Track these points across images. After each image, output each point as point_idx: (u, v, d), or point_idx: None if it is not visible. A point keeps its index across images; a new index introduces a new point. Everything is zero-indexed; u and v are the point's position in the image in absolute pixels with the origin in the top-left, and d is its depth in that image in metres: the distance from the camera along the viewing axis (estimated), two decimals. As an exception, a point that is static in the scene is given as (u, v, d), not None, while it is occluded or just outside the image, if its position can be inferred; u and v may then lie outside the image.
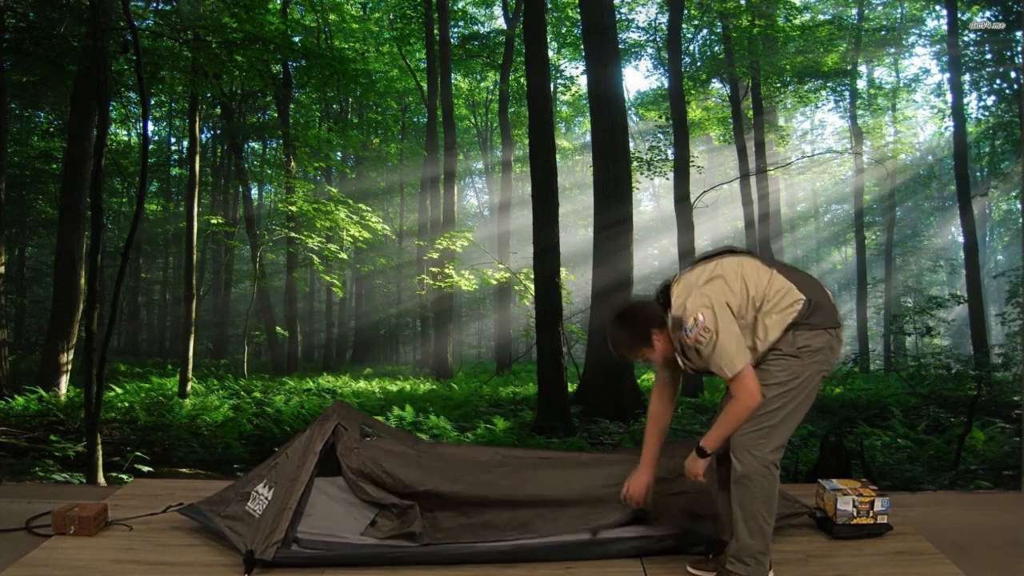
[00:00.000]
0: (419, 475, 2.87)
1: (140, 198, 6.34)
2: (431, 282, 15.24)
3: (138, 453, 6.43)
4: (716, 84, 20.16)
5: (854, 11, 20.43)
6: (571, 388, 9.26)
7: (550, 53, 18.46)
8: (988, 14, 15.15)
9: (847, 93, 20.96)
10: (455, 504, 2.85)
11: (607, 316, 2.66)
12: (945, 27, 16.95)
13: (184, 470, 6.37)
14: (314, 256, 16.13)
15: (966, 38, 16.99)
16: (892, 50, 21.06)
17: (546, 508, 2.86)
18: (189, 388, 10.88)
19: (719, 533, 2.70)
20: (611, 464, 3.04)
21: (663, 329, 2.51)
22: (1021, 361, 10.15)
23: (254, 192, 22.59)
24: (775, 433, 2.41)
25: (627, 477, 2.83)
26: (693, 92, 19.05)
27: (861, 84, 22.41)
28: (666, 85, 17.64)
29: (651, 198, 34.49)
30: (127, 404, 9.09)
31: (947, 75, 17.75)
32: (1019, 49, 15.68)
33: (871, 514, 2.94)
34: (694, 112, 21.20)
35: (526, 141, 11.44)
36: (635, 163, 13.77)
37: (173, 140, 24.55)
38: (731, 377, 2.37)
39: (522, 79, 18.59)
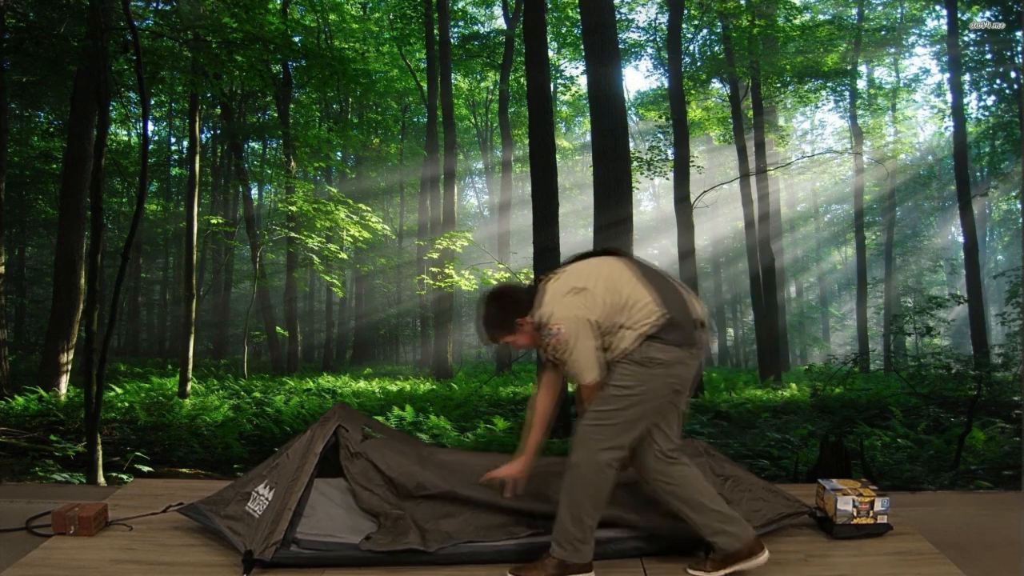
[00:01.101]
0: (419, 482, 2.88)
1: (140, 198, 6.33)
2: (431, 282, 15.24)
3: (138, 453, 6.43)
4: (716, 84, 20.15)
5: (854, 11, 20.43)
6: (571, 388, 9.24)
7: (550, 53, 18.48)
8: (988, 14, 15.12)
9: (847, 93, 20.97)
10: (455, 507, 2.86)
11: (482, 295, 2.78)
12: (945, 27, 16.95)
13: (184, 470, 6.37)
14: (314, 256, 16.13)
15: (966, 38, 16.96)
16: (892, 50, 21.06)
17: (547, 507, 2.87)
18: (189, 388, 10.87)
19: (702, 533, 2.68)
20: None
21: (529, 320, 2.60)
22: (1021, 361, 10.15)
23: (254, 192, 22.63)
24: (613, 435, 2.49)
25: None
26: (693, 92, 19.04)
27: (861, 84, 22.42)
28: (666, 85, 17.64)
29: (651, 198, 34.54)
30: (127, 404, 9.09)
31: (947, 75, 17.75)
32: (1019, 49, 15.67)
33: (871, 514, 2.94)
34: (694, 112, 21.21)
35: (526, 141, 11.44)
36: (635, 163, 13.76)
37: (173, 140, 24.60)
38: (582, 384, 2.54)
39: (522, 79, 18.61)
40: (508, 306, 2.61)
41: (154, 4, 12.39)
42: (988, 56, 17.89)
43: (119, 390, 10.16)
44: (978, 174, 23.75)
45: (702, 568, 2.63)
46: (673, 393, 2.54)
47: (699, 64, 19.46)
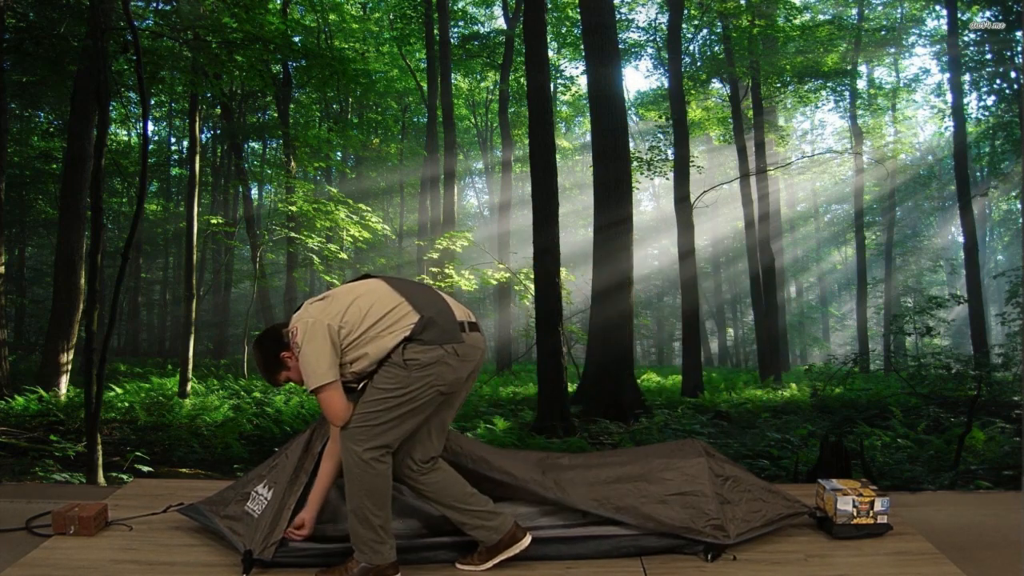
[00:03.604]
0: None
1: (140, 198, 6.32)
2: (431, 282, 15.24)
3: (138, 453, 6.43)
4: (716, 84, 20.15)
5: (854, 11, 20.43)
6: (571, 388, 9.26)
7: (550, 53, 18.48)
8: (988, 14, 15.12)
9: (847, 93, 20.97)
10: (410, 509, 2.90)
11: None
12: (945, 27, 16.94)
13: (184, 470, 6.36)
14: (314, 256, 16.12)
15: (966, 38, 16.96)
16: (892, 50, 21.06)
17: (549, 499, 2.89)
18: (189, 388, 10.87)
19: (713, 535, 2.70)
20: (614, 464, 3.05)
21: (287, 351, 2.64)
22: (1021, 361, 10.16)
23: (254, 192, 22.62)
24: (375, 435, 2.51)
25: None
26: (693, 92, 19.04)
27: (861, 84, 22.43)
28: (666, 85, 17.64)
29: (651, 198, 34.54)
30: (127, 404, 9.09)
31: (947, 75, 17.75)
32: (1019, 49, 15.68)
33: (871, 514, 2.94)
34: (694, 112, 21.20)
35: (526, 141, 11.45)
36: (635, 163, 13.75)
37: (173, 140, 24.60)
38: (312, 391, 2.52)
39: (522, 79, 18.61)
40: (268, 345, 2.65)
41: (154, 4, 12.40)
42: (988, 56, 17.89)
43: (119, 390, 10.16)
44: (978, 174, 23.74)
45: (471, 562, 2.69)
46: (438, 394, 2.55)
47: (699, 64, 19.45)
